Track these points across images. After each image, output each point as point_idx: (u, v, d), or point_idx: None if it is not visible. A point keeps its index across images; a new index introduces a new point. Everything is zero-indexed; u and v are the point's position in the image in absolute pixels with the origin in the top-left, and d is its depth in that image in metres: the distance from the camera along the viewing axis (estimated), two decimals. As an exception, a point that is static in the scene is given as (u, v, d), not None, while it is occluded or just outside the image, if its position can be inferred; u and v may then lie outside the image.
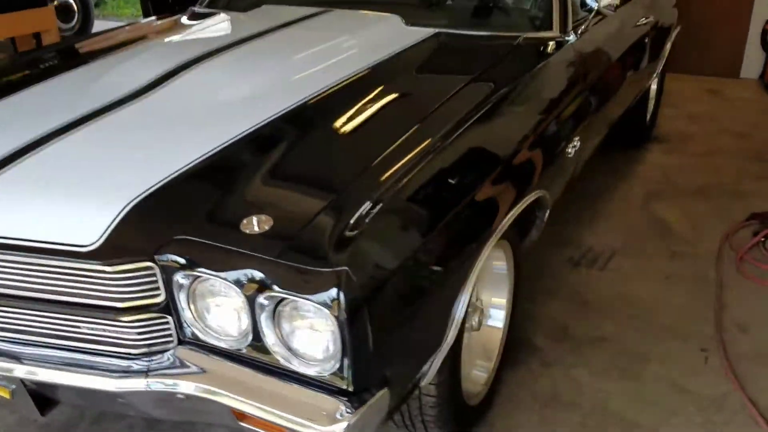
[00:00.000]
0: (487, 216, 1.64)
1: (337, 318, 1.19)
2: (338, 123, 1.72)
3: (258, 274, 1.24)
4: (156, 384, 1.37)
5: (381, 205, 1.38)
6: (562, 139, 2.08)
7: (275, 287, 1.23)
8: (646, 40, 3.14)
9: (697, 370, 2.24)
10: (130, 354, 1.43)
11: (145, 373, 1.40)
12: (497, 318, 2.12)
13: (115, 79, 1.93)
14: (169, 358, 1.41)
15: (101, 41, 2.53)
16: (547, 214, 2.08)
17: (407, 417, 1.79)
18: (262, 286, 1.24)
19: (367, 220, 1.33)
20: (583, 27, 2.40)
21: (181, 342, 1.42)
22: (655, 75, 3.64)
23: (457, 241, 1.53)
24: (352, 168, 1.51)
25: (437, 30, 2.28)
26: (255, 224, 1.32)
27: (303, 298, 1.21)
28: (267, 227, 1.31)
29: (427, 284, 1.45)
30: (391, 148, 1.58)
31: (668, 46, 3.71)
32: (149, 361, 1.42)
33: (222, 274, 1.27)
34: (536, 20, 2.38)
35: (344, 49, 2.13)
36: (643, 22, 3.10)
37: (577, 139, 2.18)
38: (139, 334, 1.41)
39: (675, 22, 3.89)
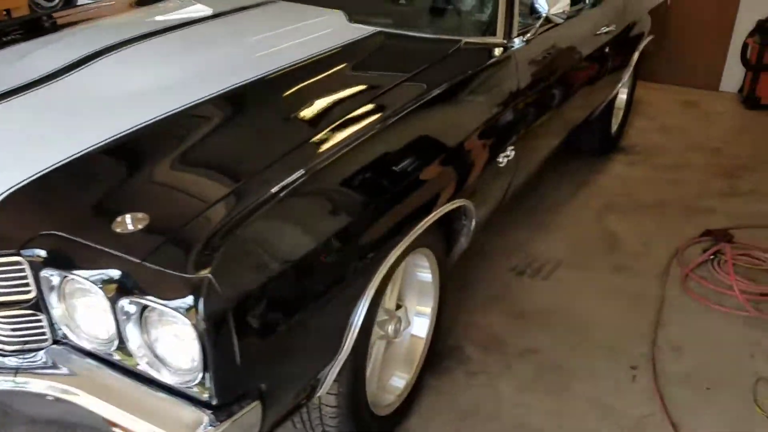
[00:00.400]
0: (394, 223, 1.58)
1: (195, 327, 1.14)
2: (246, 119, 1.68)
3: (120, 276, 1.19)
4: (21, 383, 1.33)
5: (268, 206, 1.33)
6: (492, 148, 2.02)
7: (136, 291, 1.18)
8: (607, 50, 3.08)
9: (623, 388, 2.20)
10: (4, 351, 1.39)
11: (15, 371, 1.35)
12: (421, 327, 2.07)
13: (31, 62, 1.88)
14: (42, 358, 1.36)
15: (47, 20, 2.48)
16: (474, 224, 2.03)
17: (308, 426, 1.74)
18: (124, 289, 1.19)
19: (247, 222, 1.28)
20: (530, 34, 2.34)
21: (56, 341, 1.37)
22: (620, 85, 3.58)
23: (357, 247, 1.47)
24: (249, 166, 1.46)
25: (379, 29, 2.23)
26: (129, 222, 1.27)
27: (161, 304, 1.16)
28: (141, 226, 1.26)
29: (319, 292, 1.39)
30: (296, 147, 1.53)
31: (636, 56, 3.64)
32: (23, 359, 1.37)
33: (84, 273, 1.22)
34: (480, 25, 2.33)
35: (276, 42, 2.08)
36: (604, 31, 3.04)
37: (511, 149, 2.13)
38: (13, 330, 1.37)
39: (647, 31, 3.83)
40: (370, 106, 1.75)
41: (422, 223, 1.68)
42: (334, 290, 1.43)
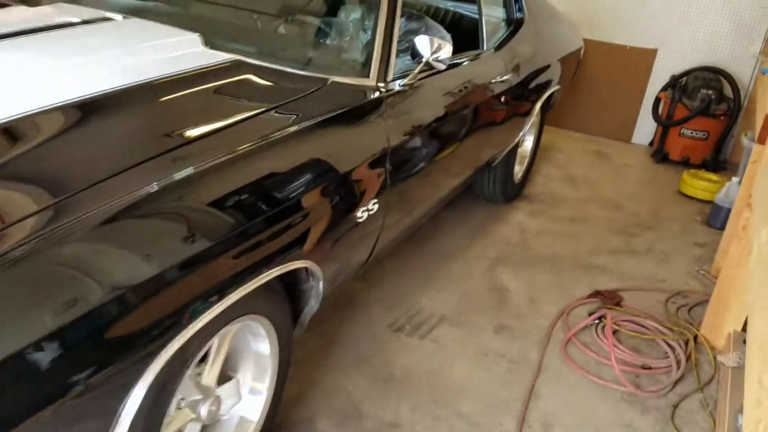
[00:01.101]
0: (204, 285, 1.34)
1: None
2: (44, 147, 1.41)
3: None
4: None
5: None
6: (348, 202, 1.82)
7: None
8: (503, 98, 2.96)
9: (483, 471, 2.01)
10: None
11: None
12: (252, 407, 1.82)
13: None
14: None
15: None
16: (323, 286, 1.81)
17: None
18: None
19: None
20: (408, 79, 2.16)
21: None
22: (521, 134, 3.47)
23: (132, 318, 1.20)
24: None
25: (237, 57, 2.00)
26: None
27: None
28: None
29: (65, 374, 1.12)
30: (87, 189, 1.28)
31: (538, 105, 3.54)
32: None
33: None
34: (352, 65, 2.14)
35: (114, 61, 1.82)
36: (499, 80, 2.91)
37: (373, 202, 1.93)
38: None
39: (555, 80, 3.75)
40: (199, 144, 1.52)
41: (242, 287, 1.45)
42: (94, 372, 1.16)
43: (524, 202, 3.98)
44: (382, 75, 2.09)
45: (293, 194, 1.61)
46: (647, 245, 3.61)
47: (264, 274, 1.51)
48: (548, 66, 3.66)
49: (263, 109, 1.77)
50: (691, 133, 4.89)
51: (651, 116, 5.14)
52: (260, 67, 2.00)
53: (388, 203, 2.03)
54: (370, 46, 2.12)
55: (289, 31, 2.41)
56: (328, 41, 2.30)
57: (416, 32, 2.77)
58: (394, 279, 2.94)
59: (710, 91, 4.78)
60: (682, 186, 4.40)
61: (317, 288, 1.80)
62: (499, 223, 3.65)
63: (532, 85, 3.43)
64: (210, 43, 2.06)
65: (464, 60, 2.77)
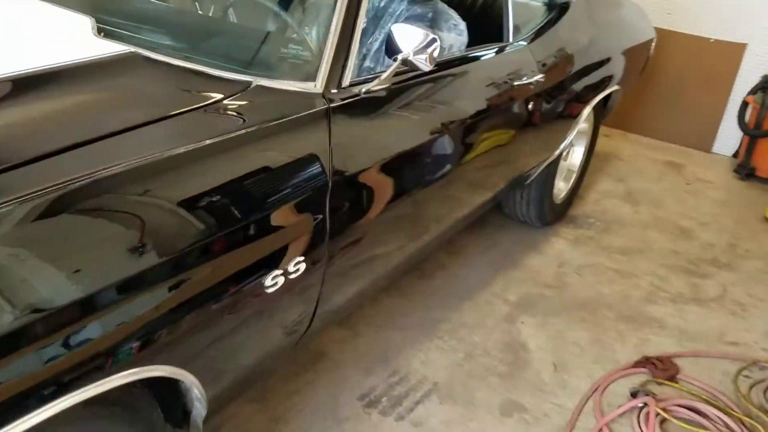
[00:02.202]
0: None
1: None
2: None
3: None
4: None
5: None
6: (249, 269, 1.25)
7: None
8: (531, 105, 2.31)
9: None
10: None
11: None
12: None
13: None
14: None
15: None
16: (201, 393, 1.25)
17: None
18: None
19: None
20: (375, 84, 1.57)
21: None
22: (560, 147, 2.79)
23: None
24: None
25: (132, 50, 1.46)
26: None
27: None
28: None
29: None
30: None
31: (587, 110, 2.86)
32: None
33: None
34: (292, 63, 1.56)
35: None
36: (526, 80, 2.25)
37: (299, 260, 1.35)
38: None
39: (616, 78, 3.04)
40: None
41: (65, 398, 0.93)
42: None
43: (568, 225, 3.30)
44: (334, 78, 1.51)
45: (144, 263, 1.05)
46: (719, 291, 2.88)
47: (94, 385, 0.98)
48: (606, 60, 2.96)
49: (138, 122, 1.22)
50: (785, 145, 4.05)
51: (736, 123, 4.31)
52: (160, 63, 1.45)
53: (326, 260, 1.45)
54: (318, 37, 1.53)
55: (208, 17, 1.84)
56: (260, 31, 1.72)
57: (421, 19, 2.17)
58: (385, 327, 2.36)
59: (812, 96, 3.93)
60: (770, 212, 3.61)
61: (195, 393, 1.25)
62: (531, 254, 2.99)
63: (581, 84, 2.75)
64: (104, 30, 1.52)
65: (478, 55, 2.14)
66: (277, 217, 1.30)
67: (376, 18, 2.32)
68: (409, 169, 1.74)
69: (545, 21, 2.54)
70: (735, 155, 4.49)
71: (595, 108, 3.04)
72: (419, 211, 1.88)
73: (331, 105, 1.48)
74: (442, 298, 2.56)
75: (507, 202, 3.08)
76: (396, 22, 2.24)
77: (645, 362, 2.31)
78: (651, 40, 3.56)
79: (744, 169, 4.21)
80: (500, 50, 2.26)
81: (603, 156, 4.19)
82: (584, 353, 2.36)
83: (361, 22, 1.58)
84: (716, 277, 2.99)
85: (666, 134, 4.66)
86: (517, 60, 2.28)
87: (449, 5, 2.34)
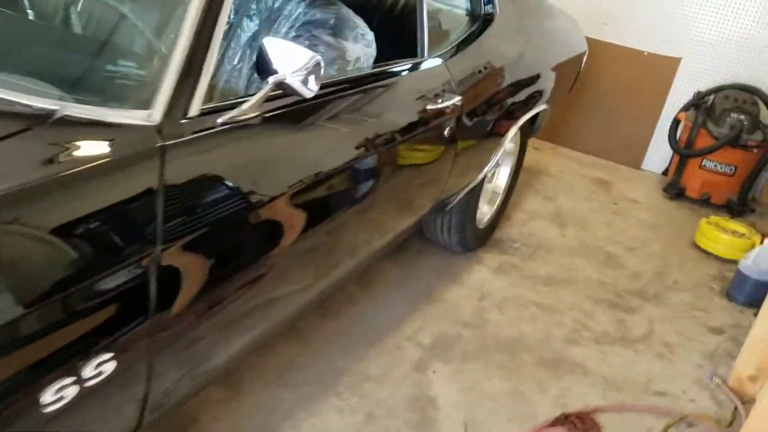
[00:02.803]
0: None
1: None
2: None
3: None
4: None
5: None
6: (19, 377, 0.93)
7: None
8: (446, 130, 2.04)
9: None
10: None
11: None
12: None
13: None
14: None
15: None
16: None
17: None
18: None
19: None
20: (237, 113, 1.26)
21: None
22: (482, 173, 2.55)
23: None
24: None
25: None
26: None
27: None
28: None
29: None
30: None
31: (513, 131, 2.62)
32: None
33: None
34: (119, 88, 1.24)
35: None
36: (440, 103, 1.98)
37: (103, 360, 1.03)
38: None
39: (545, 96, 2.82)
40: None
41: None
42: None
43: (492, 250, 3.07)
44: (179, 105, 1.19)
45: None
46: (646, 328, 2.70)
47: None
48: (535, 77, 2.73)
49: None
50: (715, 166, 3.94)
51: (664, 142, 4.19)
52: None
53: (151, 349, 1.14)
54: (159, 50, 1.21)
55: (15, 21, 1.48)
56: (76, 37, 1.39)
57: (322, 25, 1.87)
58: (274, 383, 2.05)
59: (742, 116, 3.82)
60: (699, 237, 3.47)
61: None
62: (451, 285, 2.75)
63: (506, 104, 2.51)
64: None
65: (385, 72, 1.86)
66: (76, 300, 0.97)
67: (270, 21, 2.01)
68: (282, 224, 1.44)
69: (466, 33, 2.28)
70: (665, 173, 4.38)
71: (522, 127, 2.82)
72: (292, 262, 1.56)
73: (168, 143, 1.15)
74: (347, 343, 2.28)
75: (428, 227, 2.82)
76: (294, 26, 1.94)
77: (564, 420, 2.10)
78: (583, 54, 3.37)
79: (673, 188, 4.09)
80: (412, 67, 1.98)
81: (532, 171, 4.00)
82: (500, 409, 2.12)
83: (221, 30, 1.26)
84: (643, 311, 2.82)
85: (596, 149, 4.51)
86: (431, 79, 2.01)
87: (355, 12, 2.04)
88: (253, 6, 2.04)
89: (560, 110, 3.85)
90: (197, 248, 1.19)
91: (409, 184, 1.99)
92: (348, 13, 1.98)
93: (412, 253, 2.89)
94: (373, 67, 1.94)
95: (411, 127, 1.86)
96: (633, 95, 4.32)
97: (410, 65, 1.98)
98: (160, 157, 1.12)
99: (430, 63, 2.04)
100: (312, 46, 1.92)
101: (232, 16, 2.04)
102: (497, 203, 3.07)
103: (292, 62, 1.29)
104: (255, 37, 2.02)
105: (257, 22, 2.03)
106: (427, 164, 2.05)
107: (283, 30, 1.96)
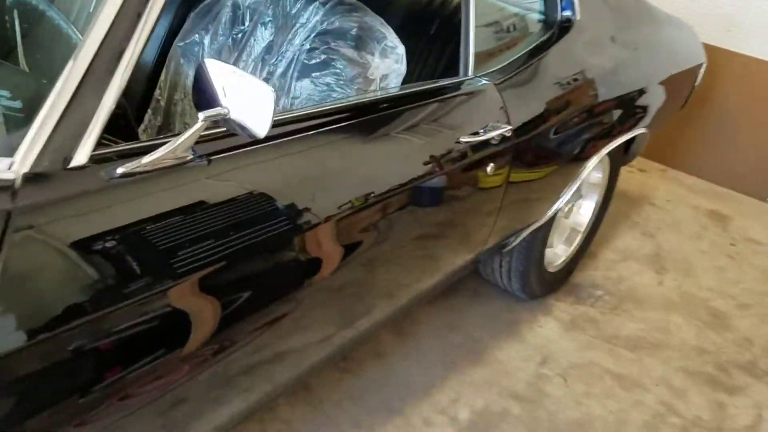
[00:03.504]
0: None
1: None
2: None
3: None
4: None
5: None
6: None
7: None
8: (489, 169, 1.61)
9: None
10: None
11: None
12: None
13: None
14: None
15: None
16: None
17: None
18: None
19: None
20: (163, 159, 0.94)
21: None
22: (545, 218, 2.09)
23: None
24: None
25: None
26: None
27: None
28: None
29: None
30: None
31: (592, 163, 2.14)
32: None
33: None
34: None
35: None
36: (475, 139, 1.55)
37: None
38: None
39: (647, 117, 2.33)
40: None
41: None
42: None
43: (567, 298, 2.59)
44: (60, 149, 0.86)
45: None
46: (752, 417, 2.14)
47: None
48: (629, 96, 2.24)
49: None
50: None
51: (802, 171, 3.49)
52: None
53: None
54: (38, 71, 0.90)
55: None
56: None
57: (342, 36, 1.51)
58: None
59: None
60: (836, 297, 2.81)
61: None
62: (506, 341, 2.30)
63: (585, 129, 2.03)
64: None
65: (404, 95, 1.47)
66: None
67: (285, 29, 1.66)
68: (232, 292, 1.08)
69: (533, 45, 1.83)
70: (798, 208, 3.67)
71: (612, 154, 2.34)
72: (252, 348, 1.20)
73: (21, 204, 0.82)
74: (364, 410, 1.91)
75: (484, 266, 2.39)
76: (309, 36, 1.59)
77: None
78: (699, 66, 2.79)
79: (807, 229, 3.39)
80: (447, 89, 1.56)
81: (632, 198, 3.44)
82: None
83: (137, 49, 0.92)
84: (751, 392, 2.25)
85: (714, 174, 3.85)
86: (472, 105, 1.58)
87: (393, 19, 1.65)
88: (269, 12, 1.70)
89: (674, 127, 3.29)
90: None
91: (432, 235, 1.58)
92: (374, 21, 1.60)
93: (464, 295, 2.47)
94: (400, 89, 1.55)
95: (433, 168, 1.45)
96: (762, 114, 3.64)
97: (445, 86, 1.56)
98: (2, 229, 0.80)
99: (474, 84, 1.61)
100: (329, 61, 1.56)
101: (247, 23, 1.72)
102: (576, 242, 2.58)
103: (239, 93, 0.93)
104: (269, 48, 1.68)
105: (272, 30, 1.69)
106: (460, 210, 1.63)
107: (298, 41, 1.60)
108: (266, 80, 1.62)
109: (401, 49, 1.59)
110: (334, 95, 1.54)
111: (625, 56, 2.24)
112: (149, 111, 1.86)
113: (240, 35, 1.69)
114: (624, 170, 2.71)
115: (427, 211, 1.54)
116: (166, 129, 1.82)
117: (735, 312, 2.69)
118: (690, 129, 3.77)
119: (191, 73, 1.75)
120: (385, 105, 1.43)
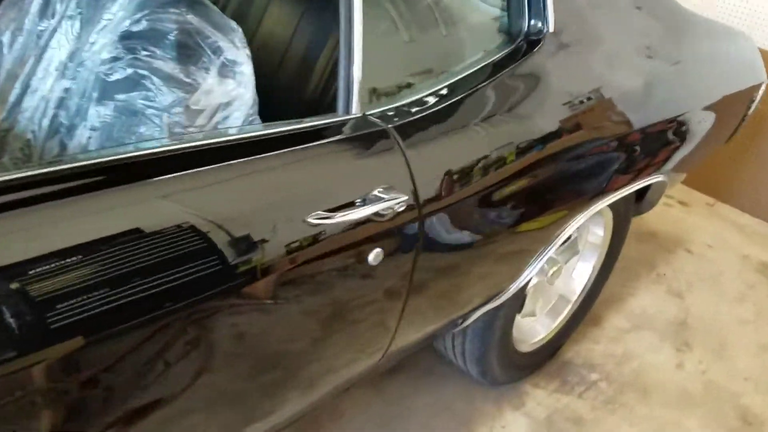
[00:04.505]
0: None
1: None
2: None
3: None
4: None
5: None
6: None
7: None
8: (369, 258, 1.06)
9: None
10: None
11: None
12: None
13: None
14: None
15: None
16: None
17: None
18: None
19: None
20: None
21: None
22: (498, 300, 1.52)
23: None
24: None
25: None
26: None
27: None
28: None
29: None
30: None
31: (571, 227, 1.55)
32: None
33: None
34: None
35: None
36: (344, 219, 1.00)
37: None
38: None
39: (673, 158, 1.75)
40: None
41: None
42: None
43: (548, 383, 2.01)
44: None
45: None
46: None
47: None
48: (637, 134, 1.64)
49: None
50: None
51: None
52: None
53: None
54: None
55: None
56: None
57: (160, 41, 0.99)
58: None
59: None
60: None
61: None
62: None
63: (558, 182, 1.45)
64: None
65: (253, 139, 0.94)
66: None
67: (91, 25, 1.14)
68: None
69: (477, 68, 1.25)
70: None
71: (616, 206, 1.75)
72: None
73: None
74: None
75: (438, 342, 1.84)
76: (112, 41, 1.07)
77: None
78: (759, 86, 2.15)
79: None
80: (310, 134, 1.01)
81: (664, 240, 2.80)
82: None
83: None
84: None
85: (765, 211, 3.16)
86: (343, 160, 1.03)
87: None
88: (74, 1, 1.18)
89: (728, 152, 2.66)
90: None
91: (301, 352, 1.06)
92: (214, 18, 1.06)
93: (413, 375, 1.92)
94: (231, 130, 1.02)
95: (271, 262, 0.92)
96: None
97: (306, 129, 1.02)
98: None
99: (356, 126, 1.06)
100: (138, 78, 1.04)
101: (56, 15, 1.21)
102: (564, 314, 1.99)
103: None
104: (73, 54, 1.16)
105: (79, 27, 1.17)
106: (328, 319, 1.09)
107: (98, 46, 1.09)
108: (62, 101, 1.12)
109: (247, 67, 1.05)
110: (143, 130, 1.01)
111: (643, 79, 1.64)
112: None
113: (44, 33, 1.19)
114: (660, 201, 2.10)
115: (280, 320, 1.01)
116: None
117: (774, 413, 2.06)
118: (746, 158, 3.09)
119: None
120: (199, 157, 0.90)
